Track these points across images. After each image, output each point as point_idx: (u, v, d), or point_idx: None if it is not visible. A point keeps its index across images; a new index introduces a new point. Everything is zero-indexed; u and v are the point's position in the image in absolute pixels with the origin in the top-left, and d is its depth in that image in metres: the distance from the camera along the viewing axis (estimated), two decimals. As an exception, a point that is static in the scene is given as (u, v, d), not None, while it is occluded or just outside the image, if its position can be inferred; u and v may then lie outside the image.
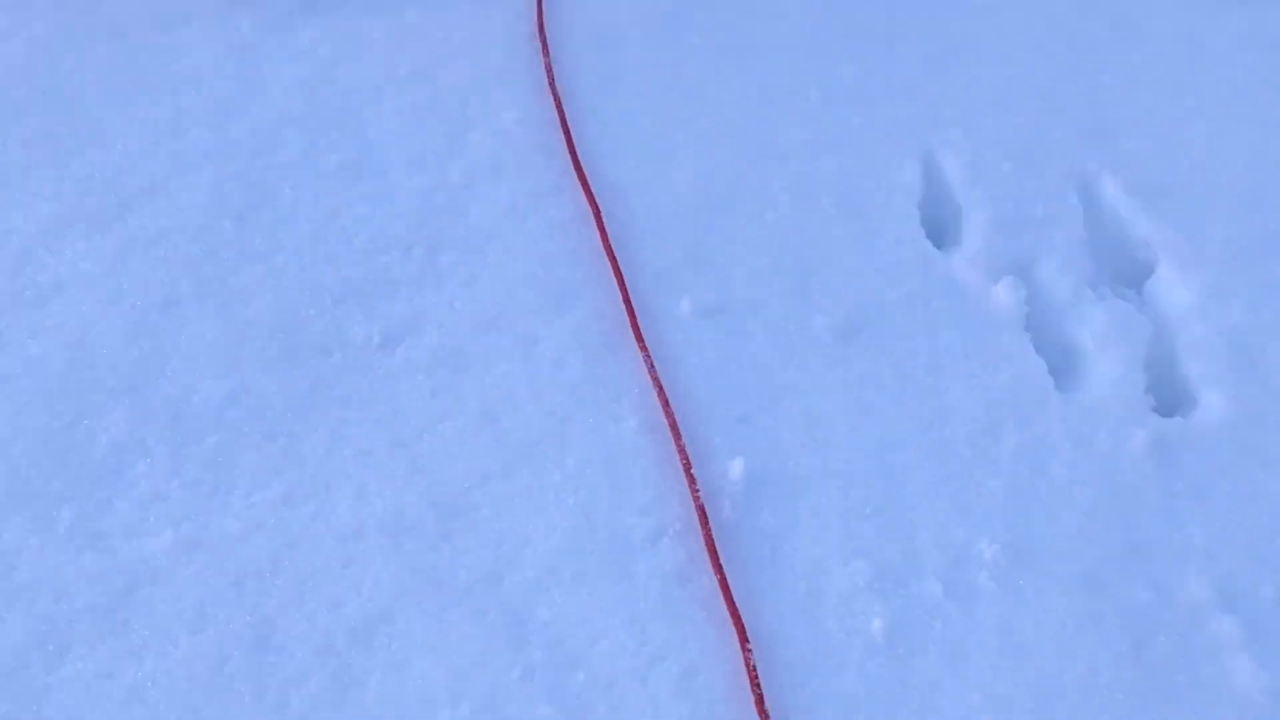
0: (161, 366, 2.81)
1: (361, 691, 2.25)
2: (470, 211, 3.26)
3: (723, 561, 2.44)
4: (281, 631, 2.33)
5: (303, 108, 3.53)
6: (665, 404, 2.75)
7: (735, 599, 2.37)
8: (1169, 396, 3.05)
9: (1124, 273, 3.42)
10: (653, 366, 2.84)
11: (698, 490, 2.57)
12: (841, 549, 2.51)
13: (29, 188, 3.24)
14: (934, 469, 2.70)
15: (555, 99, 3.58)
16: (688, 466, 2.61)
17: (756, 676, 2.23)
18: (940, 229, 3.44)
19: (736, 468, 2.63)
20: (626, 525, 2.52)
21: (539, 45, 3.79)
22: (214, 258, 3.07)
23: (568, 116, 3.54)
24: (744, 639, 2.29)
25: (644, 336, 2.92)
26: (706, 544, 2.47)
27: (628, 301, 3.00)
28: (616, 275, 3.07)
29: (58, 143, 3.38)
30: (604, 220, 3.23)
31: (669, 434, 2.70)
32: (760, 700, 2.20)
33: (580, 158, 3.40)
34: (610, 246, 3.14)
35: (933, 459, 2.72)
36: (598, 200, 3.29)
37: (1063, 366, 3.07)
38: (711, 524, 2.51)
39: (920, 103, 3.78)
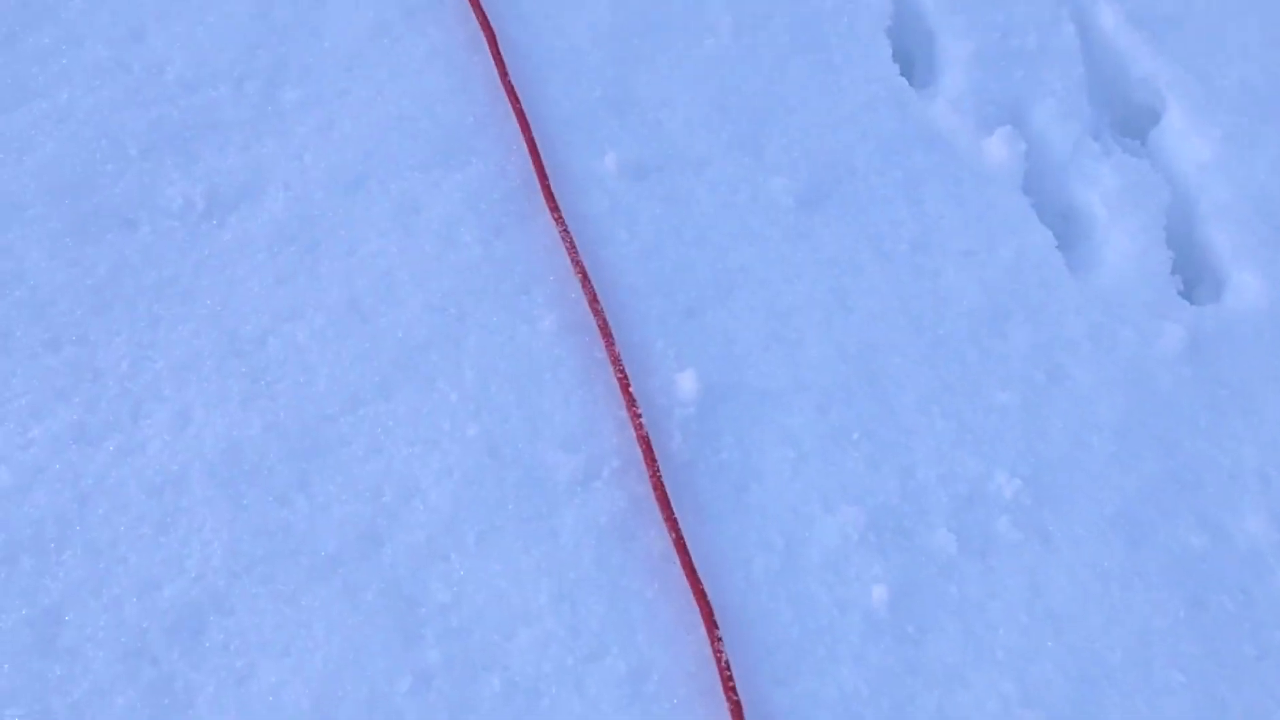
0: (-105, 245, 2.03)
1: (186, 714, 1.61)
2: (324, 32, 2.50)
3: (677, 512, 1.84)
4: (73, 628, 1.67)
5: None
6: (591, 296, 2.11)
7: (696, 565, 1.78)
8: (1194, 274, 2.54)
9: (1126, 121, 2.85)
10: (572, 245, 2.18)
11: (639, 414, 1.96)
12: (826, 489, 1.94)
13: None
14: (932, 377, 2.14)
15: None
16: (625, 382, 2.00)
17: (731, 678, 1.67)
18: (915, 62, 2.80)
19: (687, 382, 2.02)
20: (547, 464, 1.91)
21: None
22: (-29, 92, 2.26)
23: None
24: (711, 624, 1.72)
25: (559, 204, 2.24)
26: (654, 488, 1.88)
27: (536, 157, 2.31)
28: (520, 122, 2.37)
29: None
30: (500, 48, 2.50)
31: (597, 336, 2.06)
32: (737, 711, 1.64)
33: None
34: (510, 83, 2.43)
35: (929, 364, 2.16)
36: (491, 21, 2.55)
37: (1072, 239, 2.52)
38: (659, 460, 1.90)
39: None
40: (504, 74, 2.47)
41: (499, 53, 2.50)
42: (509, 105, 2.43)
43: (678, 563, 1.81)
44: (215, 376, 1.96)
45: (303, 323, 2.05)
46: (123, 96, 2.32)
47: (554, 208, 2.26)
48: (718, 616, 1.75)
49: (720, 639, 1.72)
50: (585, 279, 2.15)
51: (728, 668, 1.70)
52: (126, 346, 1.98)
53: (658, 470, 1.90)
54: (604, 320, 2.09)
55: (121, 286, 2.05)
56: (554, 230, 2.23)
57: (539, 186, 2.30)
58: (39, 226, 2.10)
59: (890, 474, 1.99)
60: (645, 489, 1.90)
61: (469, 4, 2.59)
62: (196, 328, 2.02)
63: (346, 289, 2.11)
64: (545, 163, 2.34)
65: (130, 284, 2.06)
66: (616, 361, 2.04)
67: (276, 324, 2.04)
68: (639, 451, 1.94)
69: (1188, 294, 2.45)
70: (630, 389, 2.01)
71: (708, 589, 1.78)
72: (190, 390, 1.94)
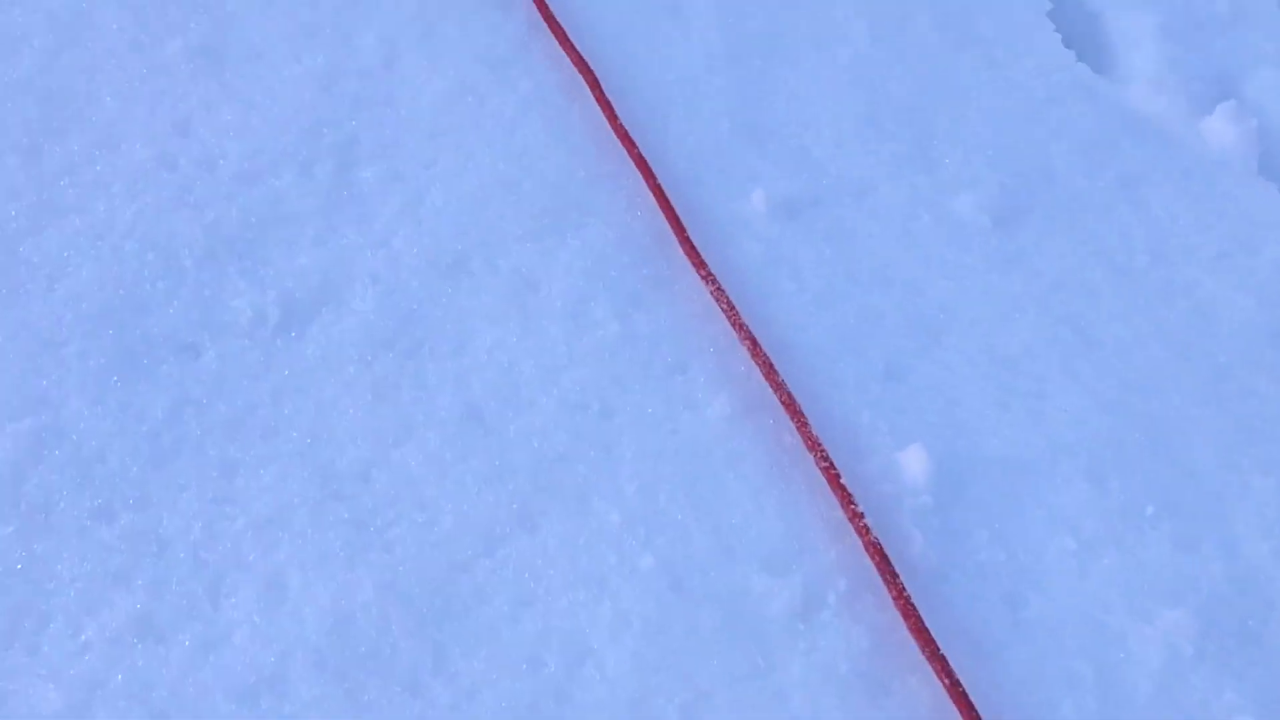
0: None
1: None
2: (398, 100, 2.08)
3: (941, 646, 1.30)
4: None
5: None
6: (766, 366, 1.61)
7: (988, 722, 1.24)
8: None
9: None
10: (730, 304, 1.69)
11: (861, 514, 1.43)
12: (1131, 588, 1.40)
13: None
14: (1224, 420, 1.60)
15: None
16: (832, 473, 1.48)
17: None
18: (1092, 46, 2.28)
19: (914, 462, 1.50)
20: (752, 594, 1.39)
21: None
22: (-9, 215, 1.84)
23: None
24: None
25: (704, 259, 1.75)
26: (904, 616, 1.34)
27: (666, 206, 1.83)
28: (641, 168, 1.90)
29: None
30: (602, 89, 2.03)
31: (783, 416, 1.54)
32: None
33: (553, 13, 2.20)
34: (621, 126, 1.97)
35: (1216, 403, 1.61)
36: (587, 60, 2.08)
37: (1337, 227, 1.95)
38: (900, 574, 1.36)
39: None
40: (612, 117, 2.01)
41: (603, 94, 2.03)
42: (624, 151, 1.96)
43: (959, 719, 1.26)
44: (312, 530, 1.48)
45: (413, 446, 1.57)
46: (170, 200, 1.88)
47: (699, 263, 1.77)
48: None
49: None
50: (754, 345, 1.65)
51: None
52: (197, 505, 1.51)
53: (903, 589, 1.37)
54: (788, 395, 1.58)
55: (185, 429, 1.59)
56: (703, 291, 1.74)
57: (676, 240, 1.81)
58: (78, 366, 1.66)
59: (1211, 555, 1.44)
60: (889, 617, 1.37)
61: (560, 46, 2.13)
62: (283, 470, 1.55)
63: (462, 396, 1.64)
64: (679, 211, 1.85)
65: (195, 424, 1.59)
66: (815, 446, 1.53)
67: (381, 452, 1.57)
68: (870, 564, 1.40)
69: None
70: (841, 480, 1.49)
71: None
72: (281, 552, 1.46)
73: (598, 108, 2.05)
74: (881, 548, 1.42)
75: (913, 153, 2.02)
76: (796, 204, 1.91)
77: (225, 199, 1.91)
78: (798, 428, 1.56)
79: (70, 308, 1.74)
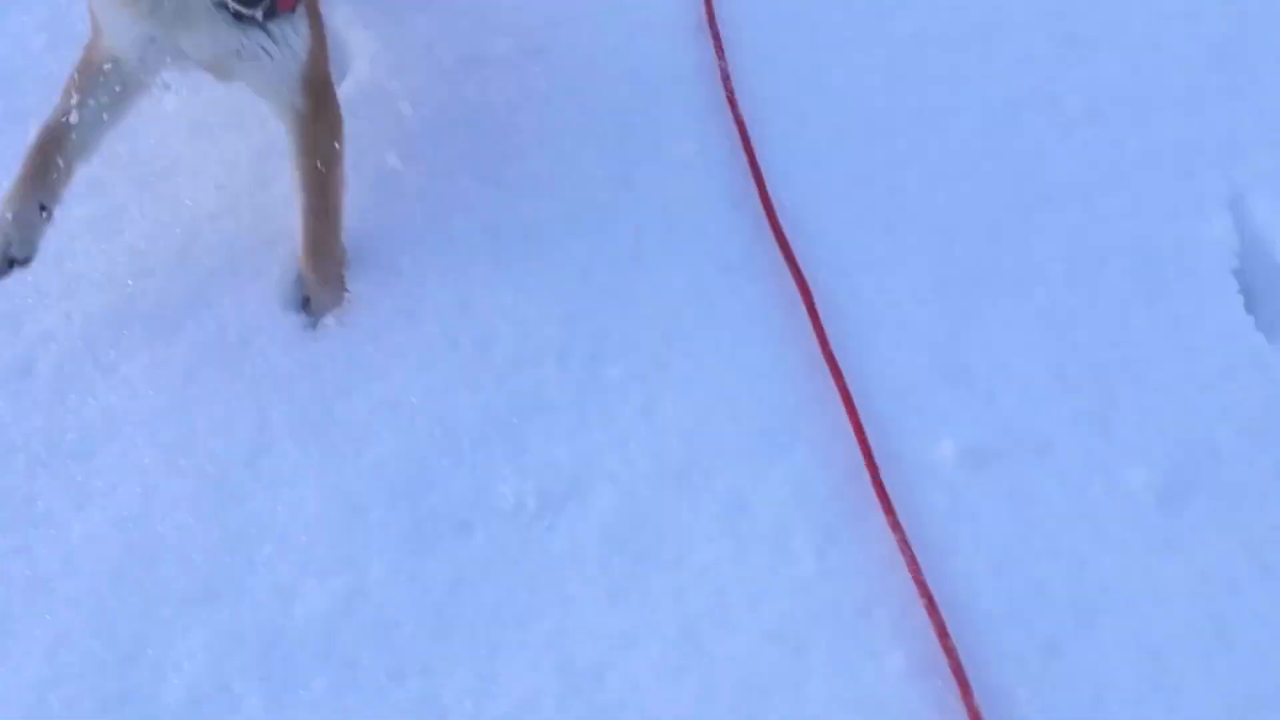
0: (249, 556, 1.95)
1: None
2: (641, 296, 2.34)
3: None
4: None
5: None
6: (940, 629, 1.86)
7: None
8: None
9: None
10: (913, 559, 1.95)
11: (1007, 791, 1.68)
12: None
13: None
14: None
15: (738, 121, 2.60)
16: (990, 750, 1.72)
17: None
18: (1270, 312, 2.43)
19: (1057, 745, 1.73)
20: None
21: (709, 32, 2.77)
22: (314, 375, 2.19)
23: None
24: None
25: (894, 506, 2.00)
26: None
27: (866, 450, 2.08)
28: (846, 403, 2.14)
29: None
30: (819, 308, 2.28)
31: (950, 680, 1.80)
32: None
33: (779, 218, 2.43)
34: (832, 356, 2.21)
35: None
36: (808, 275, 2.33)
37: None
38: None
39: (1214, 116, 2.69)
40: (824, 341, 2.25)
41: (817, 316, 2.28)
42: (831, 379, 2.20)
43: None
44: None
45: (639, 652, 1.88)
46: (454, 378, 2.20)
47: (888, 509, 2.03)
48: None
49: None
50: (931, 604, 1.90)
51: None
52: (469, 679, 1.84)
53: None
54: (957, 662, 1.83)
55: (461, 605, 1.92)
56: (889, 534, 1.99)
57: (869, 480, 2.06)
58: (380, 533, 2.00)
59: None
60: None
61: (782, 255, 2.38)
62: (535, 658, 1.87)
63: (680, 610, 1.93)
64: (874, 449, 2.10)
65: (470, 602, 1.93)
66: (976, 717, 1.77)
67: (613, 653, 1.88)
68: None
69: None
70: (993, 752, 1.74)
71: None
72: (539, 741, 1.78)
73: (813, 330, 2.29)
74: (1021, 827, 1.67)
75: (1093, 412, 2.21)
76: (983, 454, 2.13)
77: (497, 382, 2.21)
78: (962, 697, 1.81)
79: (374, 475, 2.08)
